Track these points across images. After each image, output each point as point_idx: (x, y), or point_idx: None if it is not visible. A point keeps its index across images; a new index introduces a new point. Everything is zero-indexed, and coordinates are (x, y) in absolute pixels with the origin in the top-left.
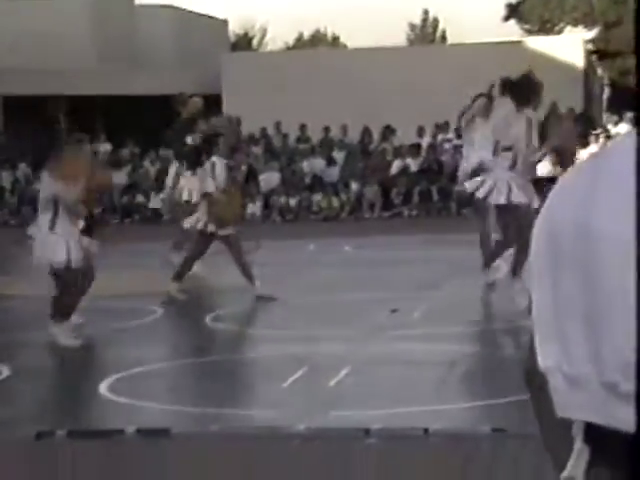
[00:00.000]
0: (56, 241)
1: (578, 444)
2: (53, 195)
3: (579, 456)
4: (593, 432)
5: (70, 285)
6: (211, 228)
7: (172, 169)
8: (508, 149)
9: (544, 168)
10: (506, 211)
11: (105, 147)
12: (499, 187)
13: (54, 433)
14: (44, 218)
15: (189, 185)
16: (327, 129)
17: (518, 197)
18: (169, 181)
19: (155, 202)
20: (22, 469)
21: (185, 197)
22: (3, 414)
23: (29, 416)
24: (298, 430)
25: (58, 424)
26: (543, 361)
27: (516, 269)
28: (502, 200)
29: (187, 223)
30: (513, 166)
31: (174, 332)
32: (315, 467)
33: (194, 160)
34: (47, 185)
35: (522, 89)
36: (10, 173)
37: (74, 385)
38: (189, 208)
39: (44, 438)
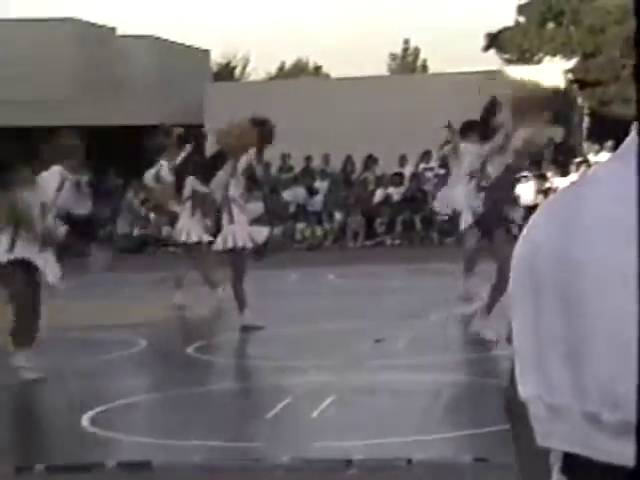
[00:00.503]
0: None
1: (555, 474)
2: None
3: None
4: (570, 462)
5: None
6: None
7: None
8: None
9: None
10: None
11: (88, 178)
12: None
13: (33, 467)
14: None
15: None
16: (308, 158)
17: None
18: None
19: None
20: None
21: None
22: None
23: (8, 450)
24: (281, 461)
25: (38, 458)
26: (524, 390)
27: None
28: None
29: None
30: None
31: (157, 364)
32: None
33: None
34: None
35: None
36: None
37: (55, 418)
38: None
39: (23, 472)
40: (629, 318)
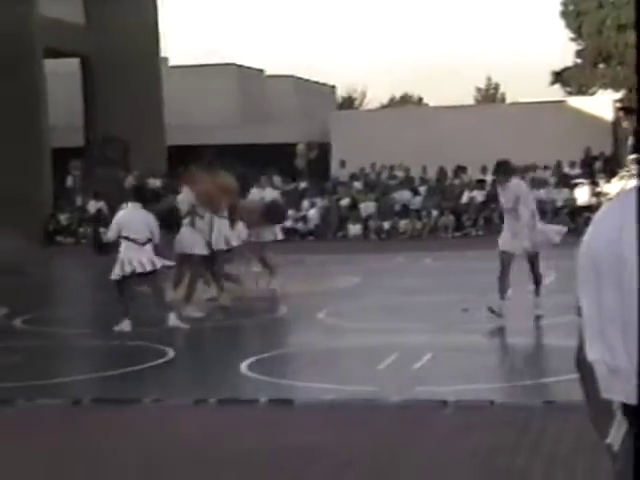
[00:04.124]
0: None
1: (618, 417)
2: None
3: (619, 426)
4: (628, 409)
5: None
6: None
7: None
8: None
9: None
10: None
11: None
12: None
13: (207, 400)
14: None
15: None
16: (407, 169)
17: None
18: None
19: None
20: (182, 428)
21: None
22: (169, 386)
23: (188, 387)
24: (392, 401)
25: (210, 394)
26: (591, 354)
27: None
28: None
29: None
30: None
31: (296, 325)
32: (405, 430)
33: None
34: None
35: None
36: None
37: (222, 364)
38: None
39: (200, 404)
40: None
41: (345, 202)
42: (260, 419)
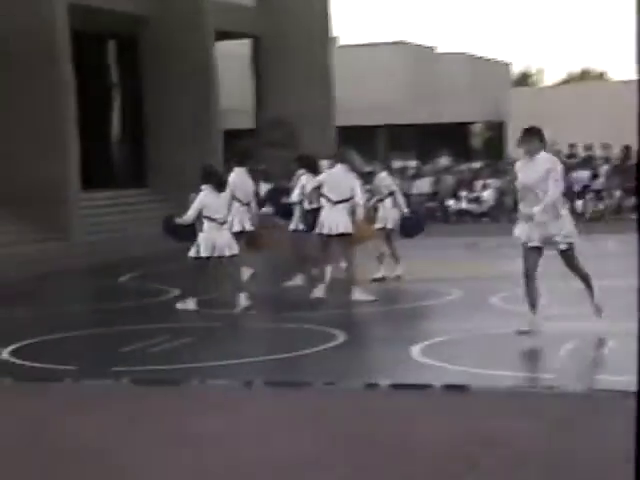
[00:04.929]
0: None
1: None
2: None
3: None
4: None
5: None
6: None
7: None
8: None
9: None
10: None
11: (412, 163)
12: None
13: (378, 385)
14: None
15: None
16: (589, 147)
17: None
18: None
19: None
20: (353, 412)
21: None
22: (340, 369)
23: (359, 371)
24: (571, 390)
25: (382, 378)
26: None
27: None
28: None
29: None
30: None
31: (470, 309)
32: (584, 420)
33: None
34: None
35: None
36: None
37: (393, 348)
38: None
39: (371, 388)
40: None
41: None
42: (434, 405)
